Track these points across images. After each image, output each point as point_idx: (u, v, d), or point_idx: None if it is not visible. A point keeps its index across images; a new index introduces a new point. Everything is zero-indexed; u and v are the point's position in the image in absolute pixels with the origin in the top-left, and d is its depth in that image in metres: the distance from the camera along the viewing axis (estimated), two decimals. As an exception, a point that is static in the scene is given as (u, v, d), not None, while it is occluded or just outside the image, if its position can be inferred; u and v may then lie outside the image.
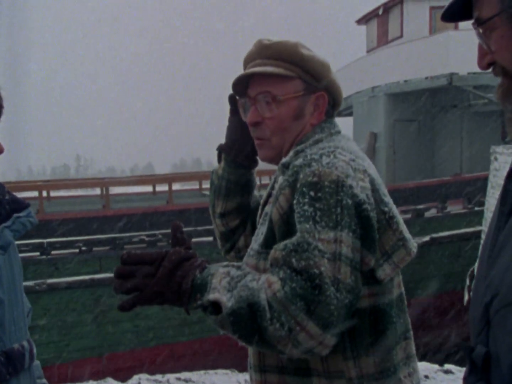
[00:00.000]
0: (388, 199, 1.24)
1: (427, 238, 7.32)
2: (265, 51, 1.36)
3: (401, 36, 14.70)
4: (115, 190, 12.92)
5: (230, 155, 1.48)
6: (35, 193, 9.41)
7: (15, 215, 1.40)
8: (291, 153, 1.29)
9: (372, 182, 1.21)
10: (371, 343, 1.20)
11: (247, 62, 1.40)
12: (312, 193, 1.13)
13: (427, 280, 7.39)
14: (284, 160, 1.29)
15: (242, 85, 1.38)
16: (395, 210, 1.25)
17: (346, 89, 15.13)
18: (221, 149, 1.51)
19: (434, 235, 7.46)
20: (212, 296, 1.09)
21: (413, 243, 1.28)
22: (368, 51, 16.63)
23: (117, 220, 8.78)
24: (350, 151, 1.24)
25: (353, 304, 1.09)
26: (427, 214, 8.10)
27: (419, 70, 12.70)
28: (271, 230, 1.22)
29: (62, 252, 6.49)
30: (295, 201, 1.15)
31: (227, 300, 1.07)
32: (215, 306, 1.10)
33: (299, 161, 1.21)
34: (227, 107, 1.49)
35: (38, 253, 6.19)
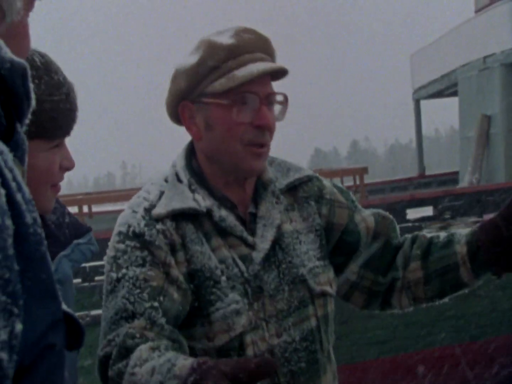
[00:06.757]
0: None
1: None
2: (267, 47, 1.43)
3: (522, -14, 14.12)
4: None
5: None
6: (74, 209, 9.77)
7: (75, 241, 1.37)
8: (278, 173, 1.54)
9: None
10: None
11: (243, 50, 1.40)
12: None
13: None
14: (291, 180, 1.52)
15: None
16: None
17: (449, 62, 14.70)
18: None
19: None
20: None
21: None
22: (477, 11, 16.13)
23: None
24: None
25: None
26: None
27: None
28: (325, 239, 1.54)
29: (107, 278, 6.66)
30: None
31: None
32: None
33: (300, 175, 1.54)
34: None
35: (79, 280, 6.35)
